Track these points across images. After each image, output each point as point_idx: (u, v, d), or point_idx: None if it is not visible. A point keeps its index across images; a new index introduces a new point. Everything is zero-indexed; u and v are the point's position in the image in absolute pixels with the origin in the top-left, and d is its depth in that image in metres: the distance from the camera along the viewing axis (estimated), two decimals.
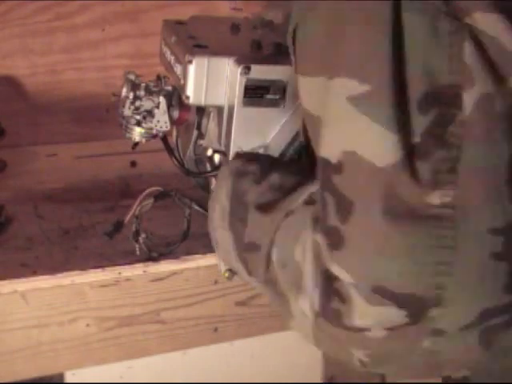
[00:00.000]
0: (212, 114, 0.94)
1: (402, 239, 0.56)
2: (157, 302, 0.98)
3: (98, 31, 1.38)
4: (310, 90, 0.65)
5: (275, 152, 0.88)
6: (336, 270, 0.58)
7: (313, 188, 0.67)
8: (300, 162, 0.84)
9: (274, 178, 0.73)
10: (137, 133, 0.91)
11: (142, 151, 1.00)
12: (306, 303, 0.63)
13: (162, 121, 0.90)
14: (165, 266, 0.97)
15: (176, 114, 0.92)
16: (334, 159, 0.59)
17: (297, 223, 0.65)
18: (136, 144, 0.93)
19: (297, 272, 0.63)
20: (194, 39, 0.92)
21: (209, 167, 1.01)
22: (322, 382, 1.25)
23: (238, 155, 0.82)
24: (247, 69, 0.84)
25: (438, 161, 0.56)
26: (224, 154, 0.91)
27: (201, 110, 0.96)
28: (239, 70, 0.84)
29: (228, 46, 0.94)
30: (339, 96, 0.58)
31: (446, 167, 0.56)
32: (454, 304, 0.57)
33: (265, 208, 0.70)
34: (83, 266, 0.93)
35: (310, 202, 0.66)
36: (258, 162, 0.78)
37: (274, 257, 0.67)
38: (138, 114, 0.90)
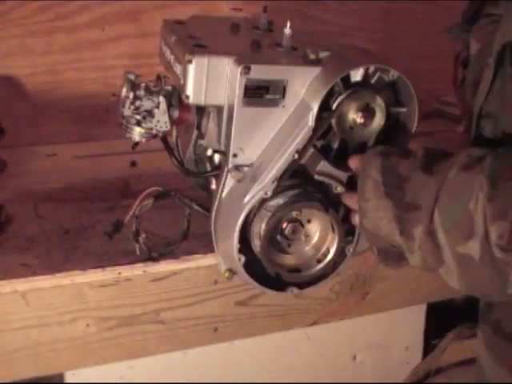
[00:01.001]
0: (212, 114, 0.94)
1: None
2: (157, 302, 0.98)
3: (98, 31, 1.38)
4: None
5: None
6: None
7: (470, 151, 0.77)
8: None
9: (421, 151, 0.82)
10: (137, 133, 0.91)
11: (142, 151, 1.00)
12: (476, 245, 0.73)
13: (161, 121, 0.90)
14: (165, 266, 0.97)
15: (176, 113, 0.92)
16: None
17: (465, 180, 0.74)
18: (136, 144, 0.93)
19: (467, 220, 0.73)
20: (193, 39, 0.92)
21: (209, 167, 1.01)
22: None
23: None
24: (247, 69, 0.84)
25: None
26: (224, 153, 0.91)
27: (201, 110, 0.96)
28: (239, 69, 0.84)
29: (228, 45, 0.94)
30: None
31: None
32: None
33: (425, 171, 0.79)
34: (83, 266, 0.93)
35: (468, 163, 0.76)
36: (398, 146, 0.87)
37: (438, 212, 0.76)
38: (138, 113, 0.90)
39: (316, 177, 0.91)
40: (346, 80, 0.87)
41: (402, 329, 1.29)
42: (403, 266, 0.86)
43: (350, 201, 0.91)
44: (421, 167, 0.80)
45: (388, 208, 0.82)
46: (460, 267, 0.76)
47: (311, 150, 0.89)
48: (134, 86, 0.89)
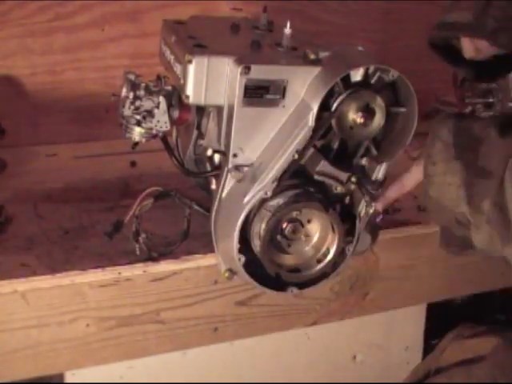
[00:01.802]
0: (212, 114, 0.94)
1: None
2: (157, 302, 0.98)
3: (97, 31, 1.38)
4: None
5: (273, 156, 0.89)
6: None
7: None
8: None
9: (496, 118, 0.79)
10: (137, 133, 0.91)
11: (142, 151, 1.00)
12: None
13: (161, 121, 0.90)
14: (165, 266, 0.97)
15: (176, 113, 0.92)
16: None
17: None
18: (136, 144, 0.93)
19: None
20: (193, 39, 0.92)
21: (209, 167, 1.01)
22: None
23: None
24: (247, 69, 0.84)
25: None
26: (224, 154, 0.91)
27: (201, 110, 0.96)
28: (239, 69, 0.84)
29: (228, 45, 0.94)
30: None
31: None
32: None
33: (501, 132, 0.74)
34: (83, 266, 0.93)
35: None
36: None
37: (509, 181, 0.70)
38: (138, 113, 0.90)
39: (316, 177, 0.91)
40: (346, 80, 0.87)
41: (402, 329, 1.29)
42: (466, 255, 0.81)
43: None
44: (497, 128, 0.75)
45: (457, 171, 0.76)
46: None
47: (311, 150, 0.89)
48: (134, 86, 0.89)
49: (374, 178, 0.93)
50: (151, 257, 0.96)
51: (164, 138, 0.93)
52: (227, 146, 0.89)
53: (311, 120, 0.85)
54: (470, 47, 0.78)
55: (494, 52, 0.80)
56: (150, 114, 0.90)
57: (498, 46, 0.79)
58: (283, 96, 0.87)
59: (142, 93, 0.89)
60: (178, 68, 0.91)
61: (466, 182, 0.76)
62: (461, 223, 0.79)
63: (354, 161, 0.91)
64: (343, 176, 0.92)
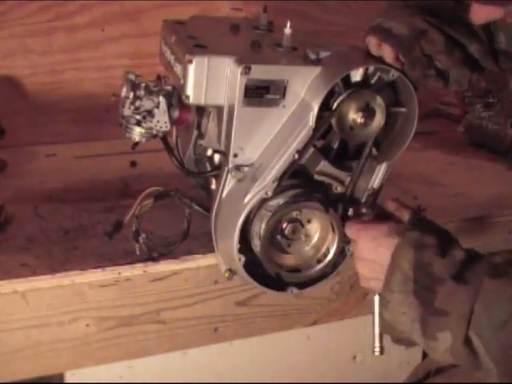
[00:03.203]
0: (212, 114, 0.94)
1: None
2: (157, 302, 0.98)
3: (97, 31, 1.38)
4: None
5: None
6: None
7: (500, 255, 0.79)
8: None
9: (459, 253, 0.81)
10: (137, 133, 0.91)
11: (142, 151, 1.00)
12: None
13: (161, 121, 0.90)
14: (165, 266, 0.97)
15: (176, 113, 0.92)
16: None
17: (500, 287, 0.75)
18: (136, 144, 0.93)
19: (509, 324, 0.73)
20: (193, 39, 0.92)
21: (209, 167, 1.01)
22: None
23: (414, 225, 0.85)
24: (248, 69, 0.84)
25: None
26: (224, 153, 0.91)
27: (201, 110, 0.96)
28: (240, 69, 0.84)
29: (228, 45, 0.94)
30: None
31: None
32: None
33: (460, 278, 0.78)
34: (83, 266, 0.93)
35: (500, 268, 0.77)
36: (435, 235, 0.83)
37: (475, 320, 0.75)
38: (138, 113, 0.90)
39: (316, 177, 0.91)
40: (346, 80, 0.87)
41: None
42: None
43: (352, 231, 0.89)
44: (455, 273, 0.79)
45: (414, 307, 0.80)
46: (502, 367, 0.75)
47: (311, 150, 0.89)
48: (134, 86, 0.89)
49: (369, 185, 0.93)
50: (151, 257, 0.96)
51: (164, 138, 0.93)
52: (227, 145, 0.89)
53: (311, 120, 0.85)
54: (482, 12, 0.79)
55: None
56: (150, 113, 0.90)
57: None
58: (283, 96, 0.87)
59: (142, 93, 0.89)
60: (178, 68, 0.91)
61: (421, 318, 0.80)
62: (413, 343, 0.84)
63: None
64: (343, 176, 0.92)
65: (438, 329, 0.78)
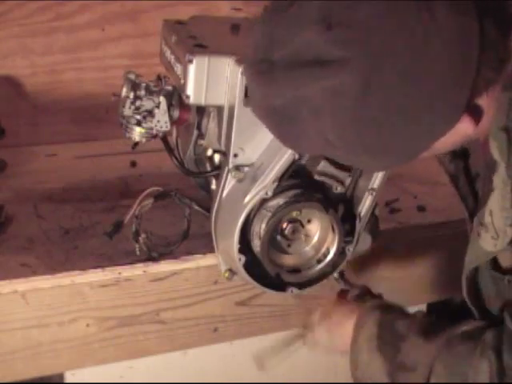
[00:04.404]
0: (212, 114, 0.94)
1: None
2: (157, 302, 0.98)
3: (98, 31, 1.38)
4: None
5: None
6: None
7: (477, 323, 0.81)
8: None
9: (422, 314, 0.87)
10: (137, 133, 0.90)
11: (142, 151, 1.00)
12: None
13: (162, 121, 0.90)
14: (165, 266, 0.97)
15: (176, 113, 0.92)
16: None
17: (465, 350, 0.77)
18: (136, 144, 0.93)
19: None
20: (194, 39, 0.92)
21: (209, 167, 1.00)
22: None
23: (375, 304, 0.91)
24: None
25: None
26: (224, 154, 0.91)
27: (201, 110, 0.96)
28: (240, 69, 0.84)
29: (228, 45, 0.94)
30: None
31: None
32: None
33: (422, 335, 0.81)
34: (83, 266, 0.93)
35: (471, 333, 0.79)
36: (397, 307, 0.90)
37: (435, 377, 0.79)
38: (139, 113, 0.90)
39: (316, 177, 0.91)
40: None
41: None
42: None
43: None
44: (418, 330, 0.82)
45: (380, 363, 0.84)
46: None
47: None
48: (134, 86, 0.89)
49: (370, 185, 0.93)
50: (151, 257, 0.96)
51: (164, 138, 0.93)
52: (228, 145, 0.89)
53: None
54: None
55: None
56: (150, 113, 0.90)
57: None
58: None
59: (142, 93, 0.89)
60: (178, 68, 0.91)
61: (389, 372, 0.83)
62: None
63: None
64: (343, 176, 0.92)
65: (407, 382, 0.82)
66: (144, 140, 0.92)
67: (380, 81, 0.63)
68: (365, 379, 0.87)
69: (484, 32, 0.65)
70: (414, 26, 0.63)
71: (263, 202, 0.89)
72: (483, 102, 0.69)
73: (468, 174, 0.91)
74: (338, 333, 0.91)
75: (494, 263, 0.79)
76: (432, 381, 0.79)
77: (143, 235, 0.95)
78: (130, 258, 0.96)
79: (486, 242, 0.76)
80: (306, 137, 0.70)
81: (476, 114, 0.69)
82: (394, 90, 0.64)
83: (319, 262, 0.95)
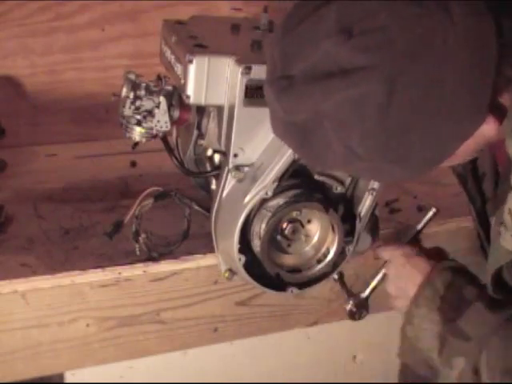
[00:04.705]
0: (212, 114, 0.94)
1: None
2: (157, 302, 0.98)
3: (98, 31, 1.38)
4: None
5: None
6: None
7: None
8: None
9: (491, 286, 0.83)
10: (137, 132, 0.91)
11: (142, 151, 1.00)
12: None
13: (162, 121, 0.90)
14: (165, 266, 0.97)
15: (176, 113, 0.92)
16: None
17: None
18: (136, 144, 0.93)
19: None
20: (194, 39, 0.92)
21: (209, 167, 1.00)
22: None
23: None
24: (248, 69, 0.84)
25: None
26: (224, 154, 0.91)
27: (201, 110, 0.96)
28: (240, 69, 0.84)
29: (228, 45, 0.94)
30: None
31: None
32: None
33: (490, 305, 0.81)
34: (83, 266, 0.93)
35: None
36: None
37: (486, 353, 0.77)
38: (139, 113, 0.90)
39: (316, 177, 0.91)
40: None
41: None
42: None
43: (387, 252, 0.93)
44: (486, 300, 0.81)
45: (436, 322, 0.82)
46: None
47: None
48: (134, 86, 0.89)
49: (370, 185, 0.93)
50: (151, 257, 0.96)
51: (164, 138, 0.93)
52: (228, 146, 0.89)
53: None
54: None
55: None
56: (150, 113, 0.90)
57: None
58: None
59: (142, 93, 0.89)
60: (178, 68, 0.91)
61: (440, 335, 0.82)
62: (430, 367, 0.85)
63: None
64: (343, 176, 0.92)
65: (455, 352, 0.80)
66: (144, 140, 0.92)
67: (405, 85, 0.63)
68: (411, 336, 0.85)
69: (502, 31, 0.66)
70: (434, 27, 0.63)
71: (263, 201, 0.89)
72: (505, 100, 0.69)
73: (475, 174, 0.90)
74: (407, 285, 0.89)
75: None
76: (484, 354, 0.77)
77: (143, 235, 0.95)
78: (130, 258, 0.96)
79: (507, 241, 0.76)
80: (331, 151, 0.69)
81: (499, 113, 0.69)
82: (419, 92, 0.64)
83: (319, 261, 0.95)
